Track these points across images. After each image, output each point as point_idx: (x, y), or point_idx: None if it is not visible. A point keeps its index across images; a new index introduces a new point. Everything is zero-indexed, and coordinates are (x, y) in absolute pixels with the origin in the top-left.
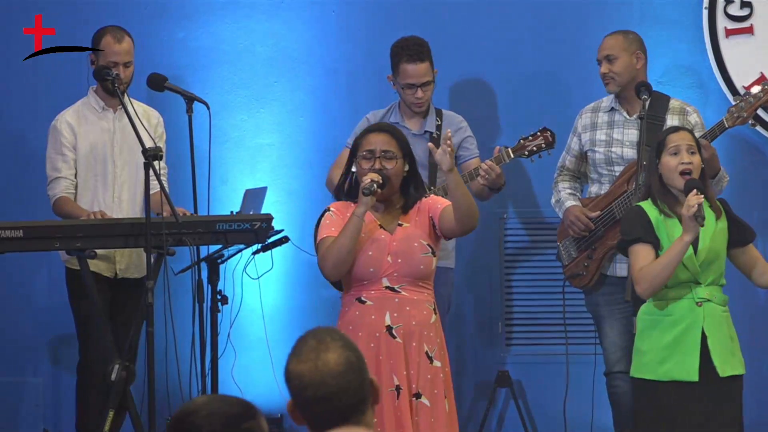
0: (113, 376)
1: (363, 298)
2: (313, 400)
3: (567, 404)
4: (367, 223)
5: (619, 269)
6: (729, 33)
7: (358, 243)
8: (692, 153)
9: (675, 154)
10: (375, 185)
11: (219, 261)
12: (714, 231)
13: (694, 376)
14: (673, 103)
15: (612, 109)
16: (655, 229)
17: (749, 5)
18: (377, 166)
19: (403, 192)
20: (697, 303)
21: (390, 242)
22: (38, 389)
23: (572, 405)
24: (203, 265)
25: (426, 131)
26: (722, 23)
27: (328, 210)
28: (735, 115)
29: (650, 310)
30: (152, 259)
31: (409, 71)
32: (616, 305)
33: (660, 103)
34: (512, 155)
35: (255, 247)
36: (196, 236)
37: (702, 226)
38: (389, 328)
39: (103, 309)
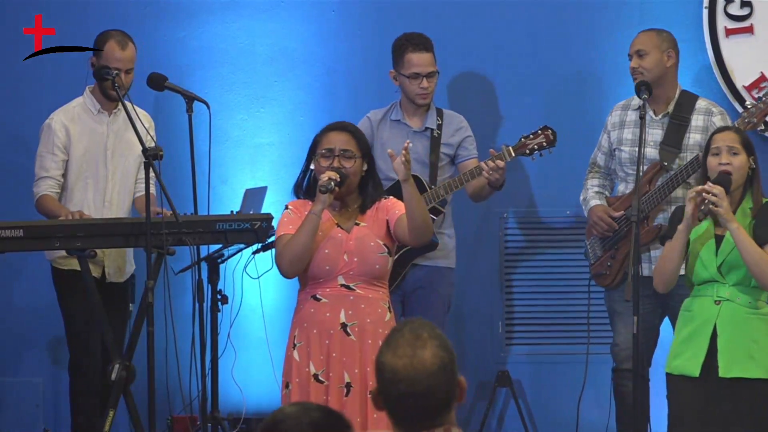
0: (113, 376)
1: (318, 296)
2: (404, 396)
3: (566, 403)
4: (324, 221)
5: (642, 268)
6: (729, 33)
7: (315, 241)
8: (734, 154)
9: (716, 154)
10: (333, 183)
11: (219, 261)
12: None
13: (695, 372)
14: (700, 103)
15: (640, 107)
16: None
17: (749, 5)
18: (336, 164)
19: (361, 192)
20: (715, 302)
21: (347, 241)
22: (38, 389)
23: (572, 404)
24: (203, 265)
25: (427, 128)
26: (722, 23)
27: (287, 208)
28: (746, 120)
29: (682, 306)
30: (152, 259)
31: (414, 60)
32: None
33: (688, 102)
34: (513, 154)
35: (255, 247)
36: (196, 236)
37: (700, 220)
38: (344, 326)
39: (94, 308)
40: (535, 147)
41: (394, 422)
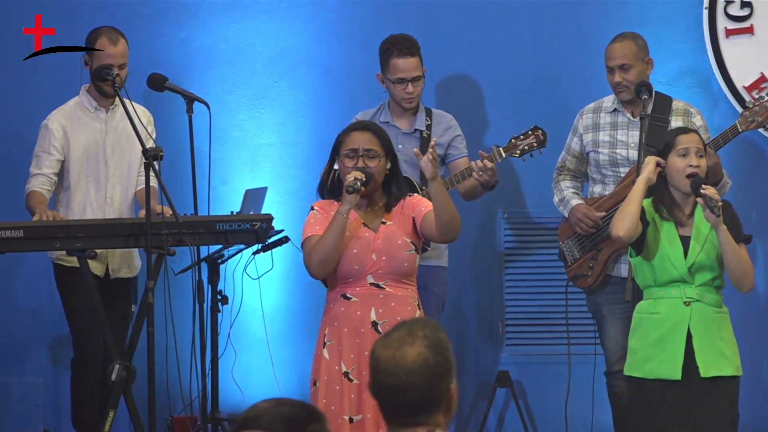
0: (113, 376)
1: (348, 295)
2: (382, 387)
3: (568, 404)
4: (351, 221)
5: (624, 270)
6: (729, 33)
7: (343, 241)
8: (700, 156)
9: (684, 156)
10: (359, 183)
11: (219, 261)
12: (708, 234)
13: (677, 375)
14: (677, 105)
15: (615, 110)
16: (647, 215)
17: (749, 5)
18: (360, 164)
19: (386, 190)
20: (685, 302)
21: (374, 240)
22: (38, 389)
23: (573, 405)
24: (203, 265)
25: (416, 129)
26: (722, 23)
27: (312, 209)
28: (750, 119)
29: (640, 309)
30: (152, 259)
31: (399, 65)
32: (619, 305)
33: (663, 104)
34: (504, 154)
35: (255, 247)
36: (196, 236)
37: (717, 215)
38: (375, 324)
39: (95, 309)
40: (526, 147)
41: (381, 413)
